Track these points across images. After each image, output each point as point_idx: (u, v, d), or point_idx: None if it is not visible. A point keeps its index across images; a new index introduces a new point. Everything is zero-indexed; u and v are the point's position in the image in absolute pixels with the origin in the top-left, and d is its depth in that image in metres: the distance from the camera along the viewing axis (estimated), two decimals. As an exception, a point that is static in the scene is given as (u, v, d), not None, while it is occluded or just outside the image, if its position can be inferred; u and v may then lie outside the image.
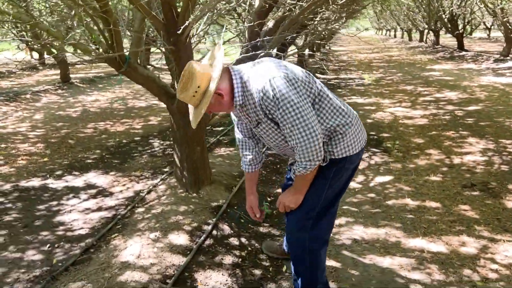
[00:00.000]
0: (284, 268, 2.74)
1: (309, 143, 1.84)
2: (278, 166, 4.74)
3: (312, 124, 1.83)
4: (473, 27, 26.82)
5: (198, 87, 1.86)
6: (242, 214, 3.40)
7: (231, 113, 2.23)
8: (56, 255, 3.07)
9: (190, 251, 2.86)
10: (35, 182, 4.59)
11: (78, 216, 3.71)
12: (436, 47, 21.88)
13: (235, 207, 3.50)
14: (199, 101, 1.90)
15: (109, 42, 3.13)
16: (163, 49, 3.46)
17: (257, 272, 2.70)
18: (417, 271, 2.67)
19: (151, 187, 4.15)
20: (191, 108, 2.03)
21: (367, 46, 26.64)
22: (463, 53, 17.51)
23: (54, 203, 4.03)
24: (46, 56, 17.87)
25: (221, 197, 3.64)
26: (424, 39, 22.52)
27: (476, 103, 7.78)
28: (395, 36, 41.05)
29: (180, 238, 2.98)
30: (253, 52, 3.28)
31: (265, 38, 3.18)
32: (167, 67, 4.08)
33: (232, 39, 5.12)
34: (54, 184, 4.52)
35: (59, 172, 4.88)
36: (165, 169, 4.77)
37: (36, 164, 5.17)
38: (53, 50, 11.40)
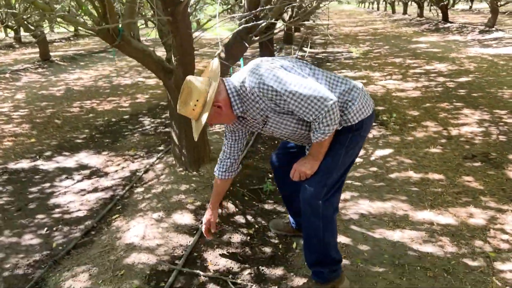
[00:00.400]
0: (294, 245, 2.68)
1: (328, 109, 1.82)
2: (276, 142, 4.65)
3: (322, 93, 1.83)
4: (456, -1, 26.74)
5: (197, 100, 1.90)
6: (246, 192, 3.32)
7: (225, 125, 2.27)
8: (55, 239, 2.95)
9: (196, 230, 2.77)
10: (24, 164, 4.42)
11: (73, 197, 3.58)
12: (420, 19, 21.80)
13: (237, 185, 3.41)
14: (199, 114, 1.94)
15: (101, 13, 2.95)
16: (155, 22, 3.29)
17: (267, 249, 2.64)
18: (429, 244, 2.64)
19: (147, 166, 4.03)
20: (192, 121, 2.06)
21: (351, 20, 26.41)
22: (448, 24, 17.46)
23: (47, 185, 3.88)
24: (22, 33, 17.25)
25: (222, 175, 3.54)
26: (418, 12, 22.33)
27: (466, 74, 7.77)
28: (378, 9, 40.75)
29: (184, 218, 2.89)
30: (254, 22, 3.14)
31: (265, 7, 3.03)
32: (151, 44, 3.90)
33: (229, 9, 4.93)
34: (45, 165, 4.36)
35: (48, 153, 4.70)
36: (160, 148, 4.64)
37: (23, 146, 4.98)
38: (30, 27, 10.98)
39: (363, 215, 3.03)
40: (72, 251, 2.74)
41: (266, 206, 3.18)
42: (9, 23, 13.18)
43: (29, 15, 9.76)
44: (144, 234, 2.70)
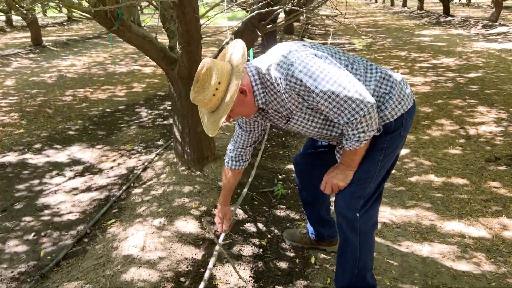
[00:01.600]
0: (313, 260, 2.40)
1: (364, 114, 1.53)
2: (283, 139, 4.35)
3: (359, 93, 1.52)
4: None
5: (219, 83, 1.56)
6: (255, 195, 3.03)
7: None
8: (43, 246, 2.64)
9: (202, 240, 2.48)
10: (11, 157, 4.09)
11: (64, 197, 3.27)
12: (420, 12, 21.48)
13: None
14: (220, 101, 1.59)
15: (99, -6, 2.61)
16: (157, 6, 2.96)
17: (283, 265, 2.35)
18: (462, 261, 2.36)
19: (146, 163, 3.71)
20: (204, 113, 1.72)
21: (351, 11, 26.00)
22: (449, 18, 17.15)
23: (36, 181, 3.56)
24: (14, 17, 16.73)
25: (228, 175, 3.23)
26: (418, 5, 21.97)
27: (475, 69, 7.49)
28: (376, 1, 40.34)
29: (188, 225, 2.59)
30: (267, 8, 2.81)
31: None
32: (148, 30, 3.56)
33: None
34: (34, 159, 4.03)
35: (38, 146, 4.37)
36: (159, 142, 4.32)
37: (11, 137, 4.64)
38: (22, 10, 10.51)
39: (385, 225, 2.75)
40: (62, 262, 2.44)
41: (278, 213, 2.88)
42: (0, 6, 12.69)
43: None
44: (144, 245, 2.40)
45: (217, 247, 2.09)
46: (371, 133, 1.60)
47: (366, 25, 17.12)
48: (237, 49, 1.64)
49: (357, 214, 1.77)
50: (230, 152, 2.05)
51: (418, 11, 21.81)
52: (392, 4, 30.39)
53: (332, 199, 2.65)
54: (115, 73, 8.26)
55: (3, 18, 17.88)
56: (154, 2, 3.41)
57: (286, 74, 1.54)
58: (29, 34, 11.58)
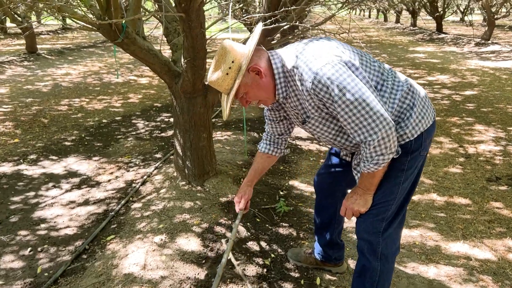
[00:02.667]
0: (318, 281, 2.34)
1: (382, 136, 1.50)
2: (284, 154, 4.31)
3: (380, 114, 1.49)
4: (449, 9, 26.83)
5: (233, 62, 1.57)
6: (257, 212, 2.98)
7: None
8: (40, 262, 2.56)
9: (205, 259, 2.42)
10: (6, 167, 4.00)
11: (61, 210, 3.19)
12: (413, 28, 21.75)
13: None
14: (233, 81, 1.59)
15: (103, 5, 2.58)
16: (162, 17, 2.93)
17: (287, 286, 2.29)
18: (470, 284, 2.33)
19: (145, 177, 3.65)
20: (223, 99, 1.72)
21: (344, 26, 26.22)
22: (442, 35, 17.39)
23: (31, 194, 3.48)
24: (8, 24, 16.63)
25: (230, 191, 3.19)
26: (412, 21, 22.23)
27: (471, 87, 7.56)
28: (369, 17, 40.83)
29: (190, 243, 2.53)
30: (276, 25, 2.80)
31: (289, 7, 2.69)
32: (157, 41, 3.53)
33: (240, 6, 4.57)
34: (29, 170, 3.95)
35: (33, 156, 4.29)
36: (157, 155, 4.26)
37: (5, 146, 4.55)
38: (17, 18, 10.43)
39: (390, 245, 2.71)
40: (60, 280, 2.37)
41: (281, 230, 2.84)
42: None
43: (17, 4, 9.25)
44: (145, 263, 2.34)
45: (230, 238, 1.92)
46: (390, 156, 1.57)
47: (359, 40, 17.27)
48: (255, 33, 1.66)
49: (380, 238, 1.74)
50: (264, 140, 2.04)
51: (411, 28, 22.10)
52: (386, 20, 30.79)
53: (347, 223, 2.63)
54: (111, 83, 8.20)
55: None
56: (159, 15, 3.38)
57: (313, 78, 1.50)
58: (23, 41, 11.49)
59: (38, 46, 11.88)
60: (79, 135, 5.01)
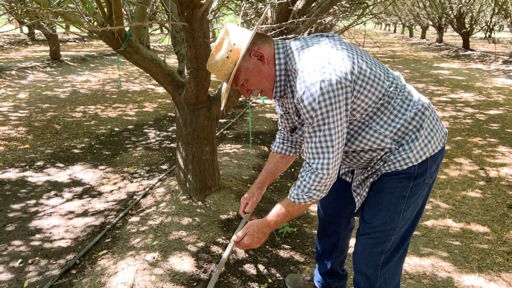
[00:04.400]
0: (316, 311, 2.18)
1: (325, 169, 1.44)
2: (293, 169, 4.17)
3: (336, 155, 1.44)
4: (477, 26, 26.32)
5: (234, 44, 1.47)
6: (258, 232, 2.83)
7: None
8: (28, 276, 2.47)
9: (196, 282, 2.28)
10: (12, 173, 3.97)
11: (59, 221, 3.11)
12: (439, 44, 21.36)
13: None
14: (234, 65, 1.47)
15: (106, 13, 2.51)
16: (169, 26, 2.85)
17: (283, 315, 2.14)
18: (483, 324, 2.13)
19: (147, 189, 3.55)
20: (224, 87, 1.65)
21: (368, 40, 26.00)
22: (469, 52, 17.00)
23: (32, 202, 3.42)
24: (36, 31, 17.03)
25: (231, 208, 3.05)
26: (437, 37, 21.87)
27: (496, 106, 7.26)
28: (394, 31, 40.42)
29: (183, 263, 2.40)
30: (284, 36, 2.68)
31: (299, 19, 2.56)
32: (162, 50, 3.46)
33: (251, 18, 4.48)
34: (34, 177, 3.90)
35: (40, 163, 4.25)
36: (163, 167, 4.17)
37: (15, 152, 4.54)
38: (43, 24, 10.63)
39: (397, 274, 2.52)
40: (45, 296, 2.26)
41: (282, 253, 2.68)
42: (24, 20, 12.90)
43: (41, 12, 9.45)
44: (133, 282, 2.22)
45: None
46: (315, 197, 1.48)
47: (383, 55, 17.03)
48: (261, 18, 1.57)
49: (378, 272, 1.58)
50: (278, 140, 1.91)
51: (437, 44, 21.71)
52: (411, 35, 30.43)
53: (350, 251, 2.47)
54: (128, 91, 8.22)
55: (27, 30, 18.24)
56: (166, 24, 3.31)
57: (302, 93, 1.40)
58: (49, 48, 11.70)
59: (63, 53, 12.09)
60: (89, 142, 4.97)
